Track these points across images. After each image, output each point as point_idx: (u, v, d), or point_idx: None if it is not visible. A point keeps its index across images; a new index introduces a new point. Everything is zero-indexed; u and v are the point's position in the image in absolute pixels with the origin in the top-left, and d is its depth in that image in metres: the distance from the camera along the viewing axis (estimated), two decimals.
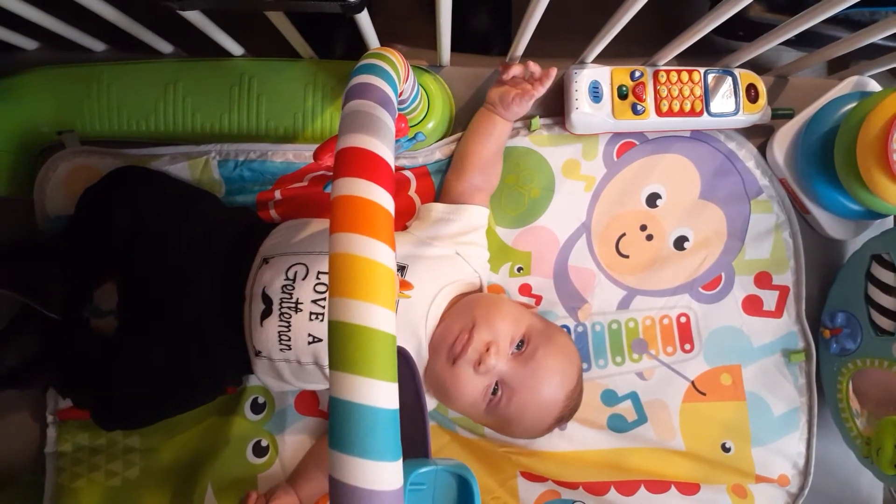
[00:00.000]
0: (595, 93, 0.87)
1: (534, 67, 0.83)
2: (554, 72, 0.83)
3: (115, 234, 0.78)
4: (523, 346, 0.78)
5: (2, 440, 0.89)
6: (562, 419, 0.82)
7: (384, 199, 0.45)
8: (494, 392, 0.77)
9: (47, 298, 0.80)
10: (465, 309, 0.80)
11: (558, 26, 0.80)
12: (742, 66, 0.91)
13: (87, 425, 0.87)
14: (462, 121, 0.92)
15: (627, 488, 0.91)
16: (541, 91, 0.83)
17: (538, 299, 0.93)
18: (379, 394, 0.39)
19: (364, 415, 0.39)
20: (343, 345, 0.40)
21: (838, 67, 0.99)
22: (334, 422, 0.39)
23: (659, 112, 0.87)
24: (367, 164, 0.46)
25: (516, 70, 0.84)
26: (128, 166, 0.83)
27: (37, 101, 0.85)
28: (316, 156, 0.65)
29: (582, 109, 0.86)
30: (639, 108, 0.87)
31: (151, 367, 0.77)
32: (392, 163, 0.47)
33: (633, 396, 0.93)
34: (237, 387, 0.88)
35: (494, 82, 0.87)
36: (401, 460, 0.40)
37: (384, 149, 0.47)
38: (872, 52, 0.87)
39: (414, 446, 0.49)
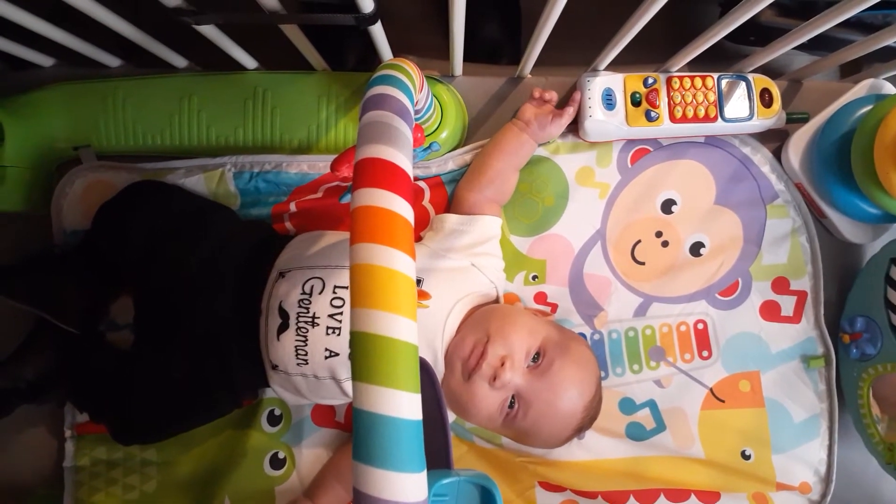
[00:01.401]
0: (608, 100, 0.87)
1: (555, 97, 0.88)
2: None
3: (130, 249, 0.79)
4: (539, 359, 0.77)
5: (20, 454, 0.90)
6: (581, 429, 0.82)
7: (404, 210, 0.45)
8: (511, 406, 0.77)
9: (64, 312, 0.80)
10: (479, 322, 0.79)
11: (568, 35, 0.80)
12: (755, 70, 0.91)
13: (104, 439, 0.87)
14: (474, 130, 0.93)
15: (647, 497, 0.91)
16: (573, 113, 0.87)
17: (554, 307, 0.93)
18: (402, 405, 0.39)
19: (388, 426, 0.39)
20: (366, 356, 0.40)
21: (851, 71, 0.99)
22: (358, 433, 0.39)
23: (673, 118, 0.87)
24: (386, 175, 0.46)
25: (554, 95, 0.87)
26: (143, 181, 0.84)
27: (53, 117, 0.86)
28: (333, 167, 0.66)
29: (595, 117, 0.86)
30: (652, 114, 0.87)
31: (169, 381, 0.77)
32: (411, 173, 0.48)
33: (652, 404, 0.93)
34: (253, 399, 0.88)
35: (527, 103, 0.88)
36: (425, 472, 0.40)
37: (403, 159, 0.47)
38: (886, 55, 0.87)
39: (436, 457, 0.48)
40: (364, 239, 0.43)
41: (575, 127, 0.90)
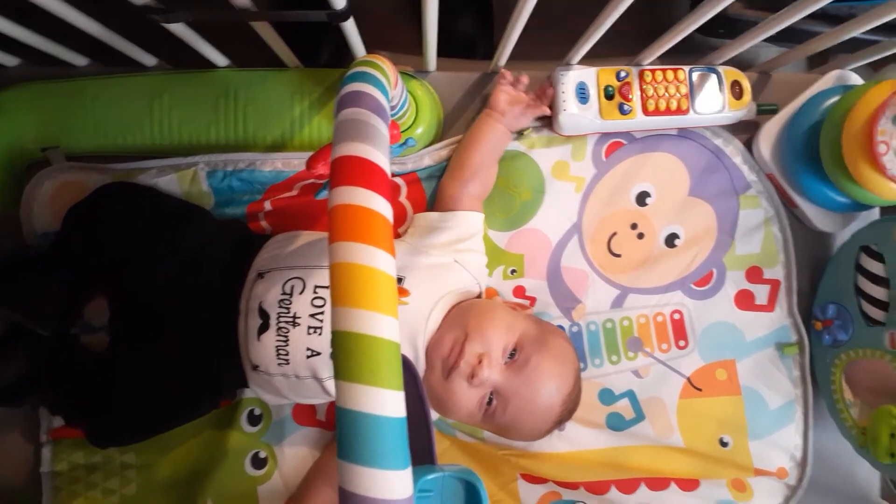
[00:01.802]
0: (582, 94, 0.87)
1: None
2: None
3: (104, 252, 0.77)
4: (516, 355, 0.78)
5: None
6: (561, 421, 0.82)
7: (382, 207, 0.45)
8: (490, 402, 0.77)
9: (38, 314, 0.79)
10: (458, 319, 0.79)
11: (541, 29, 0.81)
12: (725, 63, 0.92)
13: (81, 443, 0.86)
14: (449, 125, 0.92)
15: (628, 486, 0.92)
16: (546, 108, 0.87)
17: (532, 301, 0.93)
18: (385, 402, 0.39)
19: (372, 424, 0.39)
20: (347, 354, 0.40)
21: (818, 62, 1.00)
22: (342, 432, 0.39)
23: (645, 111, 0.88)
24: (363, 173, 0.45)
25: (525, 79, 0.88)
26: (114, 183, 0.82)
27: (20, 118, 0.85)
28: (309, 165, 0.65)
29: (569, 111, 0.87)
30: (626, 107, 0.87)
31: (147, 382, 0.76)
32: (388, 170, 0.47)
33: (631, 394, 0.94)
34: (231, 400, 0.88)
35: (495, 89, 0.88)
36: (410, 468, 0.40)
37: (380, 156, 0.47)
38: (852, 46, 0.88)
39: (420, 453, 0.49)
40: (343, 237, 0.43)
41: (549, 121, 0.90)
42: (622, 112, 0.87)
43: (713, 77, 0.90)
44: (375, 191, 0.45)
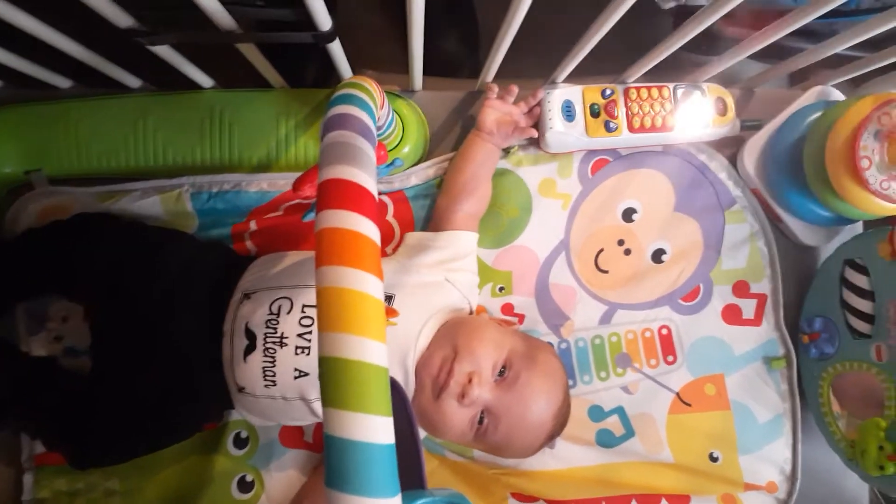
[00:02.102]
0: (568, 112, 0.87)
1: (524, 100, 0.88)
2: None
3: (83, 281, 0.76)
4: (506, 372, 0.77)
5: None
6: (552, 436, 0.82)
7: (369, 230, 0.44)
8: (481, 421, 0.77)
9: None
10: (446, 337, 0.79)
11: (526, 47, 0.81)
12: (709, 80, 0.92)
13: (64, 470, 0.85)
14: (436, 144, 0.93)
15: (618, 503, 0.91)
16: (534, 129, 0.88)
17: (521, 318, 0.93)
18: (374, 429, 0.39)
19: (360, 451, 0.38)
20: (335, 380, 0.39)
21: (800, 78, 1.01)
22: (330, 459, 0.38)
23: (631, 128, 0.89)
24: (350, 196, 0.45)
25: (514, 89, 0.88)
26: (90, 213, 0.81)
27: (2, 141, 0.84)
28: (296, 187, 0.65)
29: (556, 129, 0.87)
30: (611, 125, 0.88)
31: (126, 407, 0.75)
32: (375, 193, 0.47)
33: (620, 411, 0.93)
34: (217, 423, 0.87)
35: (483, 107, 0.88)
36: (399, 495, 0.39)
37: (367, 179, 0.47)
38: (833, 62, 0.89)
39: (409, 476, 0.48)
40: (330, 261, 0.42)
41: (535, 139, 0.91)
42: (608, 129, 0.88)
43: (697, 94, 0.91)
44: (362, 214, 0.44)
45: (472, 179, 0.86)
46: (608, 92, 0.89)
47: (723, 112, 0.92)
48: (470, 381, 0.74)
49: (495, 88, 0.88)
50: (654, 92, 0.90)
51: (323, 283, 0.42)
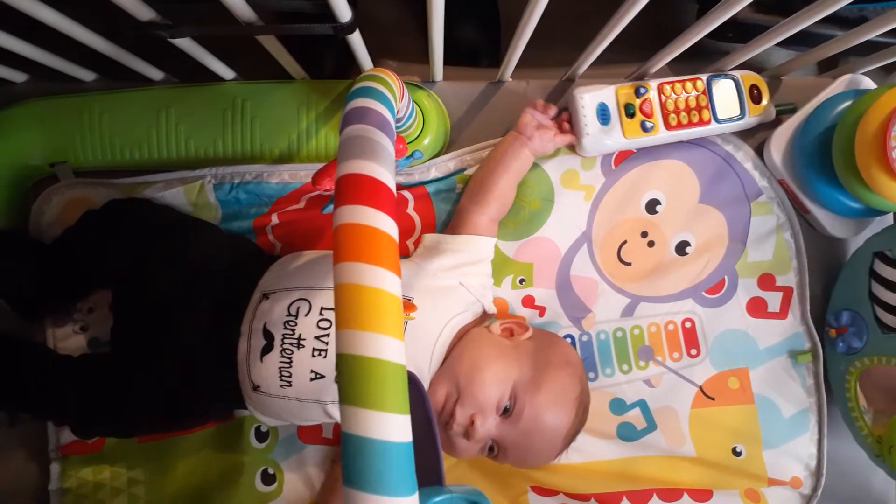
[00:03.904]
0: (603, 115, 0.86)
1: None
2: None
3: (112, 263, 0.78)
4: (510, 408, 0.76)
5: (4, 478, 0.88)
6: (569, 443, 0.82)
7: (388, 226, 0.44)
8: (491, 449, 0.78)
9: (16, 298, 0.80)
10: (451, 370, 0.77)
11: (547, 36, 0.80)
12: (735, 68, 0.91)
13: (89, 459, 0.87)
14: (456, 135, 0.92)
15: (640, 498, 0.91)
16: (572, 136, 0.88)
17: (541, 310, 0.92)
18: (392, 427, 0.38)
19: (377, 450, 0.38)
20: (353, 378, 0.39)
21: (828, 65, 0.99)
22: (347, 458, 0.38)
23: (668, 126, 0.88)
24: (368, 191, 0.45)
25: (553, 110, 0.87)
26: (125, 199, 0.82)
27: (28, 134, 0.85)
28: (315, 180, 0.65)
29: (592, 134, 0.86)
30: (648, 124, 0.87)
31: (132, 390, 0.75)
32: (394, 188, 0.47)
33: (642, 404, 0.92)
34: (222, 421, 0.87)
35: (524, 112, 0.87)
36: (416, 494, 0.39)
37: (385, 174, 0.46)
38: (863, 49, 0.87)
39: (427, 473, 0.48)
40: (347, 258, 0.42)
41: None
42: (644, 129, 0.87)
43: (731, 83, 0.89)
44: (380, 209, 0.44)
45: (505, 186, 0.86)
46: (642, 90, 0.87)
47: (757, 100, 0.90)
48: (473, 423, 0.74)
49: (539, 104, 0.87)
50: (689, 86, 0.88)
51: (340, 279, 0.42)
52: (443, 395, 0.76)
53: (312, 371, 0.72)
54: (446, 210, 0.90)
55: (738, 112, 0.89)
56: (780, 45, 0.82)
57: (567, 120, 0.88)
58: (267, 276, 0.78)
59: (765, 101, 0.90)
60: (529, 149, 0.86)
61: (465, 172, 0.90)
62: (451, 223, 0.88)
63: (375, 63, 0.81)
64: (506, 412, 0.76)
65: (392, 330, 0.41)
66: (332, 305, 0.73)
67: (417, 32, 1.03)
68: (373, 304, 0.41)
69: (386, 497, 0.37)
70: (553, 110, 0.87)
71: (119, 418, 0.77)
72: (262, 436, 0.88)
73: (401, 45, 0.99)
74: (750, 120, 0.90)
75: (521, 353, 0.80)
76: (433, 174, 0.89)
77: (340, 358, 0.40)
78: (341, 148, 0.48)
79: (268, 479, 0.87)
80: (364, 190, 0.45)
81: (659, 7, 0.74)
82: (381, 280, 0.42)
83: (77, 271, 0.80)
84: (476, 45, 1.10)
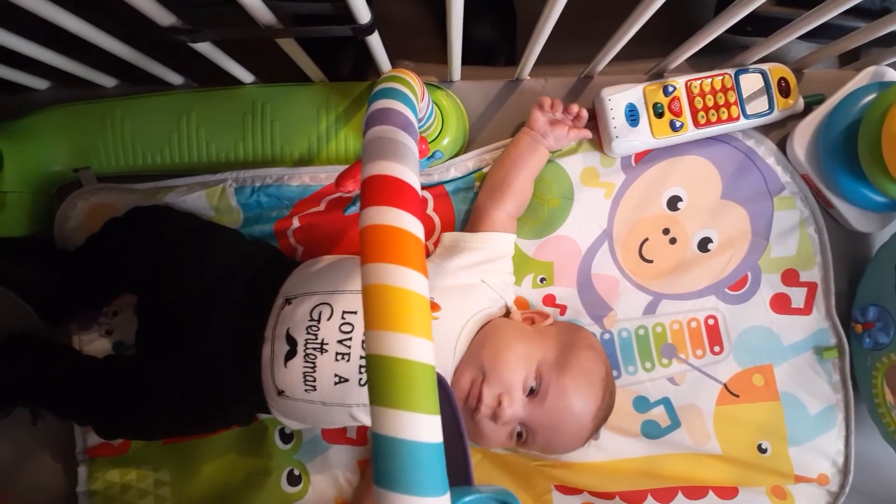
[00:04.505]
0: (632, 116, 0.86)
1: (574, 108, 0.86)
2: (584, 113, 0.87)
3: (134, 274, 0.78)
4: (536, 388, 0.76)
5: (33, 481, 0.89)
6: (597, 429, 0.82)
7: (414, 227, 0.44)
8: (520, 434, 0.78)
9: (36, 298, 0.80)
10: (474, 354, 0.78)
11: (564, 33, 0.80)
12: (756, 62, 0.90)
13: (116, 461, 0.87)
14: (475, 135, 0.92)
15: (665, 496, 0.90)
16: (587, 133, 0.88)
17: (563, 309, 0.92)
18: (422, 428, 0.38)
19: (408, 450, 0.38)
20: (383, 379, 0.39)
21: (849, 57, 0.98)
22: (378, 459, 0.38)
23: (697, 124, 0.87)
24: (394, 192, 0.45)
25: (571, 109, 0.87)
26: (147, 206, 0.83)
27: (52, 141, 0.86)
28: (338, 182, 0.65)
29: (622, 136, 0.86)
30: (677, 123, 0.86)
31: (160, 398, 0.76)
32: (419, 189, 0.47)
33: (666, 402, 0.92)
34: (245, 424, 0.87)
35: (536, 111, 0.86)
36: (448, 494, 0.39)
37: (410, 175, 0.46)
38: (886, 41, 0.86)
39: (456, 473, 0.48)
40: (375, 258, 0.42)
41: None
42: (674, 129, 0.86)
43: (759, 77, 0.89)
44: (407, 210, 0.44)
45: (521, 182, 0.85)
46: (670, 89, 0.86)
47: (786, 93, 0.89)
48: (500, 403, 0.74)
49: (546, 102, 0.86)
50: (717, 82, 0.87)
51: (368, 280, 0.42)
52: (468, 380, 0.76)
53: (336, 375, 0.72)
54: (465, 209, 0.90)
55: (766, 107, 0.88)
56: (800, 38, 0.81)
57: (580, 114, 0.87)
58: (289, 281, 0.79)
59: (794, 94, 0.90)
60: (545, 146, 0.86)
61: (484, 171, 0.90)
62: (470, 221, 0.88)
63: (391, 64, 0.81)
64: (532, 393, 0.76)
65: (421, 330, 0.40)
66: (353, 309, 0.73)
67: (432, 32, 1.03)
68: (401, 305, 0.41)
69: (418, 497, 0.37)
70: (560, 106, 0.87)
71: (141, 420, 0.78)
72: (286, 437, 0.88)
73: (416, 45, 0.99)
74: (779, 114, 0.89)
75: (544, 336, 0.81)
76: (452, 174, 0.89)
77: (370, 359, 0.40)
78: (366, 149, 0.48)
79: (293, 480, 0.87)
80: (390, 191, 0.45)
81: (678, 1, 0.74)
82: (409, 280, 0.42)
83: (101, 278, 0.81)
84: (492, 44, 1.10)
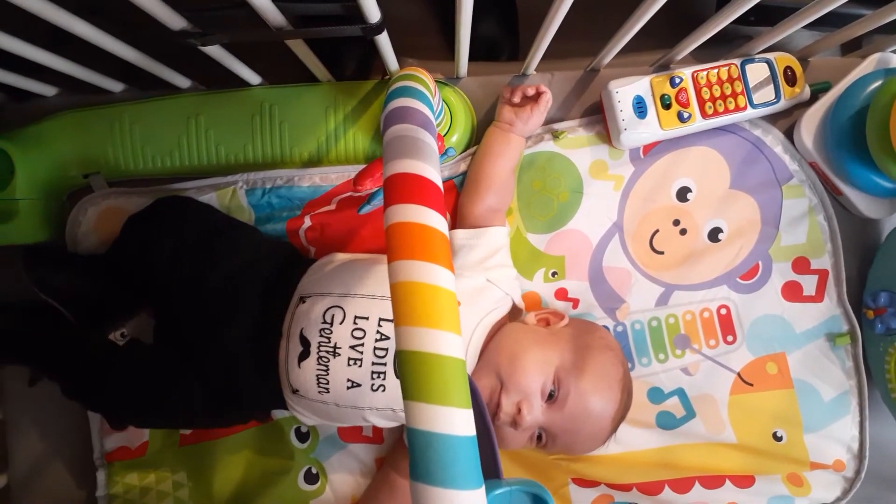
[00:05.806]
0: (639, 108, 0.86)
1: (530, 90, 0.85)
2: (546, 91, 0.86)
3: (156, 263, 0.78)
4: (555, 393, 0.76)
5: (53, 487, 0.90)
6: (615, 429, 0.82)
7: (438, 223, 0.44)
8: (540, 438, 0.78)
9: (72, 304, 0.81)
10: (490, 362, 0.77)
11: (569, 25, 0.80)
12: (761, 51, 0.90)
13: (134, 465, 0.88)
14: (483, 130, 0.91)
15: (681, 486, 0.90)
16: (549, 98, 0.86)
17: (575, 302, 0.92)
18: (456, 421, 0.39)
19: (444, 444, 0.38)
20: (415, 374, 0.40)
21: (851, 45, 0.98)
22: (414, 453, 0.39)
23: (704, 115, 0.87)
24: (418, 189, 0.45)
25: (527, 90, 0.85)
26: (171, 196, 0.83)
27: (62, 147, 0.86)
28: (356, 181, 0.65)
29: (631, 128, 0.86)
30: (684, 115, 0.87)
31: (178, 386, 0.76)
32: (441, 185, 0.47)
33: (680, 392, 0.92)
34: (262, 421, 0.88)
35: (501, 103, 0.87)
36: (483, 487, 0.39)
37: (432, 171, 0.47)
38: (889, 27, 0.86)
39: (485, 467, 0.48)
40: (402, 256, 0.43)
41: (585, 122, 0.91)
42: (681, 120, 0.87)
43: (765, 66, 0.89)
44: (431, 207, 0.45)
45: (494, 174, 0.85)
46: (677, 80, 0.87)
47: (792, 82, 0.90)
48: (519, 410, 0.74)
49: (506, 92, 0.87)
50: (723, 73, 0.88)
51: (396, 277, 0.42)
52: (486, 388, 0.76)
53: (349, 380, 0.73)
54: None
55: (773, 96, 0.89)
56: (805, 26, 0.81)
57: (538, 91, 0.86)
58: (305, 279, 0.79)
59: (800, 83, 0.90)
60: (515, 133, 0.86)
61: None
62: (457, 221, 0.88)
63: (397, 62, 0.81)
64: (551, 397, 0.76)
65: (450, 325, 0.41)
66: (364, 315, 0.73)
67: (436, 29, 1.04)
68: (431, 301, 0.41)
69: (455, 490, 0.38)
70: (519, 92, 0.85)
71: (161, 405, 0.77)
72: (302, 436, 0.88)
73: (420, 42, 0.99)
74: (785, 102, 0.90)
75: (559, 339, 0.81)
76: (462, 169, 0.89)
77: (401, 355, 0.40)
78: (387, 148, 0.49)
79: (311, 478, 0.87)
80: (414, 188, 0.45)
81: None
82: (437, 276, 0.42)
83: (126, 279, 0.81)
84: (496, 40, 1.10)
